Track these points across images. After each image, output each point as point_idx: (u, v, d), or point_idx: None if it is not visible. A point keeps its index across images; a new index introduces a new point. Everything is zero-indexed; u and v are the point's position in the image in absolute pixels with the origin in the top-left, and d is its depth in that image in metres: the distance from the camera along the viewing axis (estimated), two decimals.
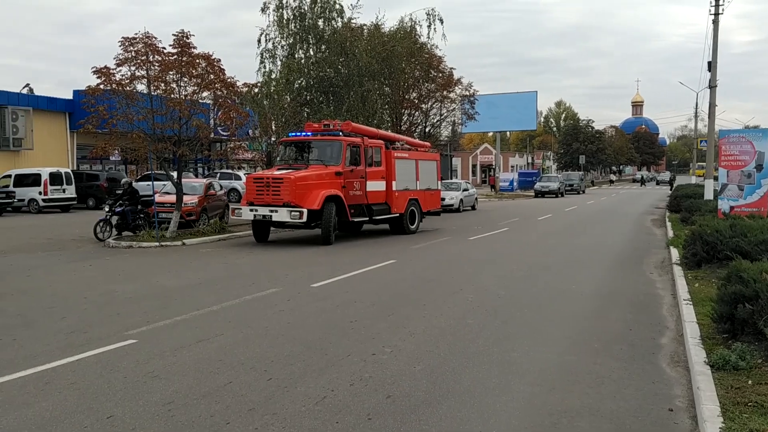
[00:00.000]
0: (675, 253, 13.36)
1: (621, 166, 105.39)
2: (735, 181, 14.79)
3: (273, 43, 23.54)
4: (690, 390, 5.34)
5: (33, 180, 27.17)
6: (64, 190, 27.69)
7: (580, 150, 77.17)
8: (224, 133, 22.66)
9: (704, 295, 8.80)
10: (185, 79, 17.27)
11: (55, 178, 27.45)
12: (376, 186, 18.01)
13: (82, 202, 29.08)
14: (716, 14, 24.29)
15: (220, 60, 17.51)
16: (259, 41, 23.54)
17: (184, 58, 16.91)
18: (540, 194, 48.11)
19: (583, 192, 56.31)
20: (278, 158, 18.27)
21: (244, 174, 36.78)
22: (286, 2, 23.23)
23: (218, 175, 34.60)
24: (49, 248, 15.51)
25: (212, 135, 20.84)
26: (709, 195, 23.42)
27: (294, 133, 18.41)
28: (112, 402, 5.05)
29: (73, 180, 28.35)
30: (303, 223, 15.95)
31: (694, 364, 5.67)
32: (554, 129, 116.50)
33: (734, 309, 6.21)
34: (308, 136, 17.74)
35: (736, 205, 14.61)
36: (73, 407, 4.94)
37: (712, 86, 24.28)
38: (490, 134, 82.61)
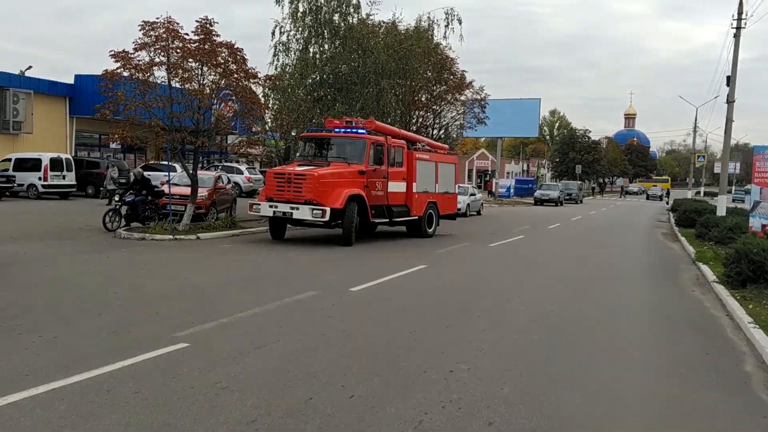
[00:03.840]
0: (707, 271, 13.05)
1: (614, 178, 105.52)
2: None
3: (288, 36, 23.01)
4: None
5: (33, 165, 26.27)
6: (64, 177, 26.82)
7: (576, 159, 77.17)
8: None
9: (766, 317, 8.47)
10: (206, 68, 16.71)
11: (56, 164, 26.57)
12: (397, 187, 17.51)
13: (81, 190, 28.28)
14: (738, 27, 24.07)
15: (242, 49, 16.98)
16: (273, 33, 23.00)
17: (206, 46, 16.34)
18: (539, 202, 47.98)
19: (581, 202, 56.23)
20: (297, 154, 17.72)
21: (246, 168, 36.26)
22: None
23: (220, 168, 33.94)
24: (58, 236, 14.87)
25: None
26: (721, 212, 23.23)
27: (315, 129, 17.86)
28: (190, 417, 4.56)
29: (73, 166, 27.53)
30: (324, 223, 15.45)
31: None
32: (547, 137, 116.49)
33: None
34: (331, 132, 17.21)
35: None
36: (147, 422, 4.44)
37: (730, 101, 23.98)
38: (482, 140, 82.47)
